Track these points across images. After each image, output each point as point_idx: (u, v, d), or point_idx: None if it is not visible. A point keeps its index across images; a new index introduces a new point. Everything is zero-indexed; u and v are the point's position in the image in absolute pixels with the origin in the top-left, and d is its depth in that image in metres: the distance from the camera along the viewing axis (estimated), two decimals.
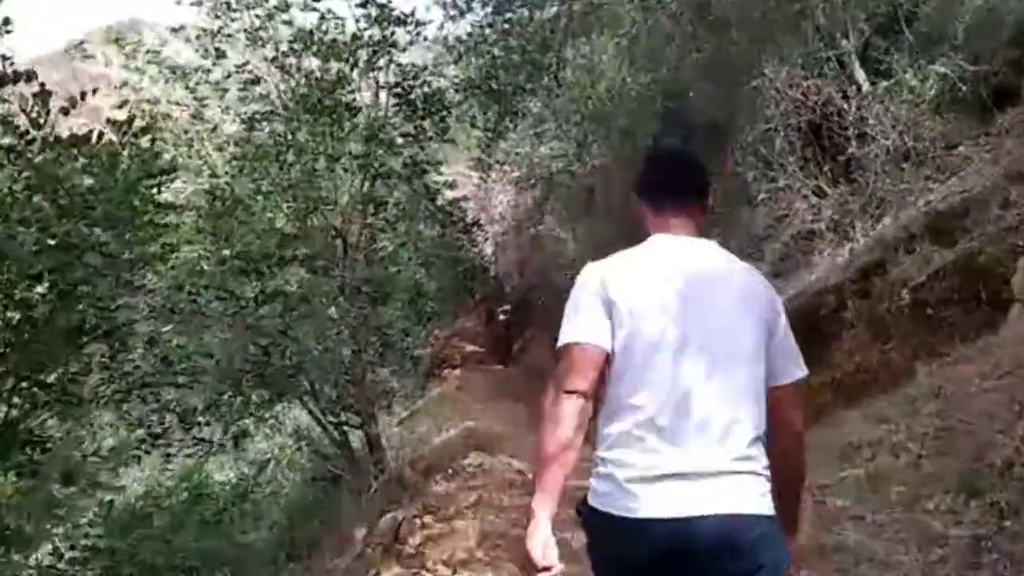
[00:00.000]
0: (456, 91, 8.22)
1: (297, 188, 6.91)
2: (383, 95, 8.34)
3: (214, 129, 7.62)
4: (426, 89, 8.04)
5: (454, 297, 15.29)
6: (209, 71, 8.22)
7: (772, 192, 7.92)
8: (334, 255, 7.41)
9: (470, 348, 15.44)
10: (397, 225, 8.11)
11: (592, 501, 1.78)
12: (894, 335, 5.87)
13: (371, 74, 8.05)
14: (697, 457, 1.71)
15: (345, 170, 7.08)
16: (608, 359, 1.78)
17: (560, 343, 1.83)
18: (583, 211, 11.21)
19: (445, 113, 8.36)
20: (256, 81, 8.16)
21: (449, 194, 8.98)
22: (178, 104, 8.09)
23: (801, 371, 1.89)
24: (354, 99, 7.26)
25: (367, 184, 7.92)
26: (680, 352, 1.75)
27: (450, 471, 7.61)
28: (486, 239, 15.59)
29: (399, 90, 8.42)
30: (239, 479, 9.60)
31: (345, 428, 8.11)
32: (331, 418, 7.66)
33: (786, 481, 1.84)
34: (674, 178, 2.04)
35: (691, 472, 1.70)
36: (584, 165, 9.06)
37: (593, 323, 1.80)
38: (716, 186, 2.53)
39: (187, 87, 8.14)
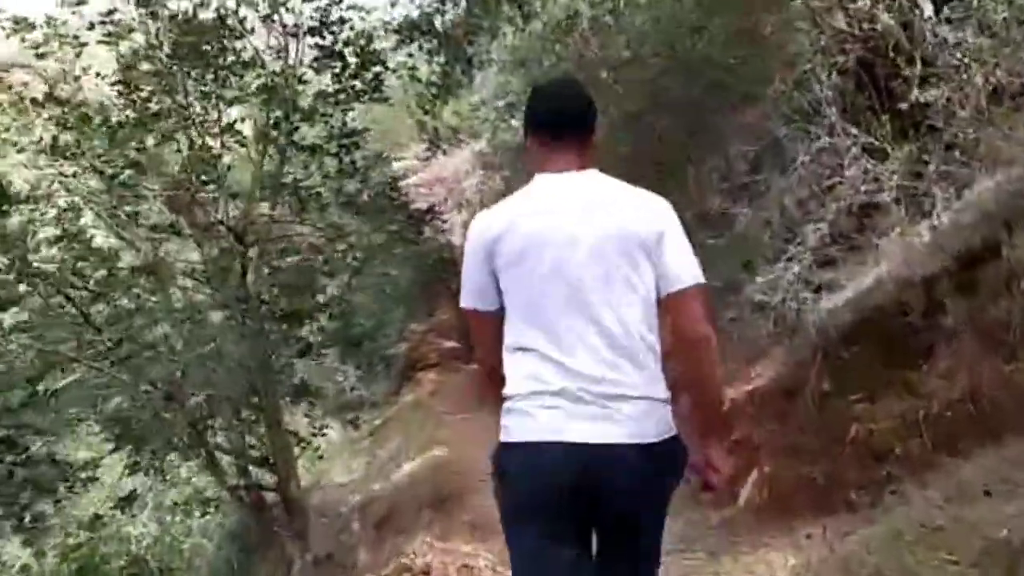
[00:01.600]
0: (389, 32, 6.17)
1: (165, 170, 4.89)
2: (294, 43, 6.29)
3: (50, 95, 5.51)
4: (350, 32, 5.98)
5: (426, 289, 14.81)
6: (65, 22, 6.14)
7: (814, 155, 5.93)
8: (230, 260, 5.40)
9: (447, 345, 14.41)
10: (318, 213, 6.02)
11: (501, 437, 1.97)
12: (1021, 347, 4.19)
13: (277, 14, 6.00)
14: (588, 384, 1.88)
15: (240, 144, 5.10)
16: (499, 317, 2.01)
17: (461, 303, 2.09)
18: None
19: (380, 67, 6.35)
20: (128, 32, 6.09)
21: (390, 171, 6.95)
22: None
23: (691, 279, 1.97)
24: (243, 47, 5.21)
25: (274, 162, 5.89)
26: (563, 290, 1.93)
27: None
28: (445, 226, 14.06)
29: (319, 38, 6.36)
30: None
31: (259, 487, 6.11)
32: (236, 480, 5.67)
33: (692, 392, 1.98)
34: (559, 110, 2.14)
35: (582, 398, 1.88)
36: None
37: (480, 287, 2.03)
38: (597, 118, 2.19)
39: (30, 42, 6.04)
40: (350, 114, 6.67)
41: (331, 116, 6.50)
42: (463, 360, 13.15)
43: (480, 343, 2.11)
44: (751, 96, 6.44)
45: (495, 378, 2.03)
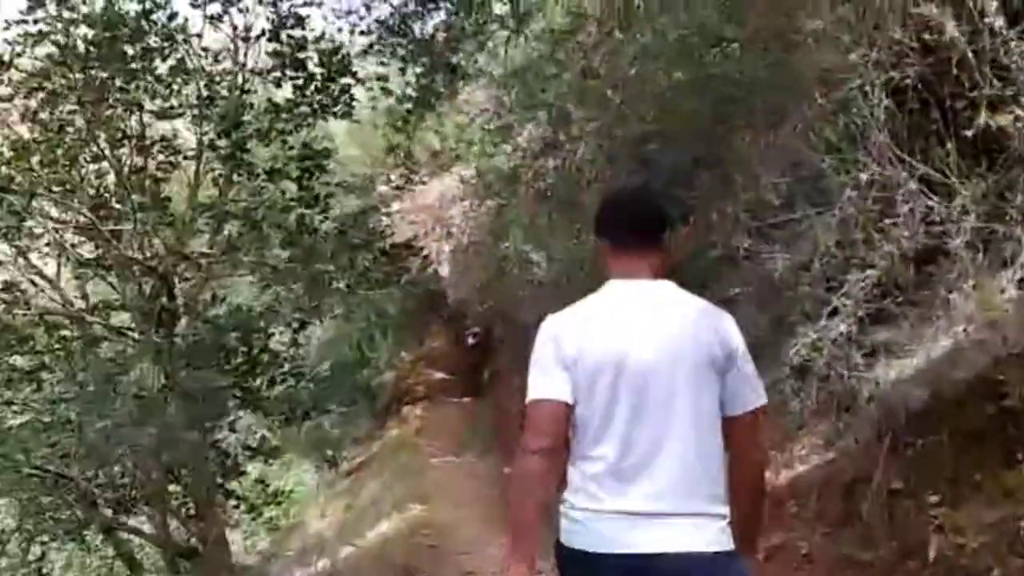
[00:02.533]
0: (355, 35, 5.20)
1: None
2: (249, 49, 5.30)
3: None
4: (312, 36, 5.00)
5: (416, 318, 14.45)
6: None
7: (861, 188, 4.98)
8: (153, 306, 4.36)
9: (437, 376, 14.14)
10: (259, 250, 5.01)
11: (561, 538, 2.06)
12: None
13: (227, 14, 5.02)
14: (659, 498, 1.95)
15: (173, 165, 4.11)
16: (571, 409, 2.04)
17: (527, 399, 2.09)
18: (562, 221, 8.32)
19: (349, 78, 5.36)
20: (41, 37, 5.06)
21: (355, 203, 5.95)
22: None
23: (758, 399, 2.08)
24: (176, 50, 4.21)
25: (218, 185, 4.89)
26: (635, 402, 2.00)
27: None
28: (430, 259, 13.74)
29: (279, 44, 5.36)
30: None
31: None
32: None
33: (746, 503, 2.09)
34: (631, 218, 2.24)
35: (654, 512, 1.94)
36: (563, 158, 5.90)
37: (552, 380, 2.05)
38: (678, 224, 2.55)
39: None
40: (313, 132, 5.70)
41: (290, 134, 5.53)
42: (452, 394, 13.14)
43: (543, 431, 2.03)
44: (783, 116, 5.48)
45: (548, 465, 2.01)
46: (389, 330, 20.30)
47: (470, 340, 14.17)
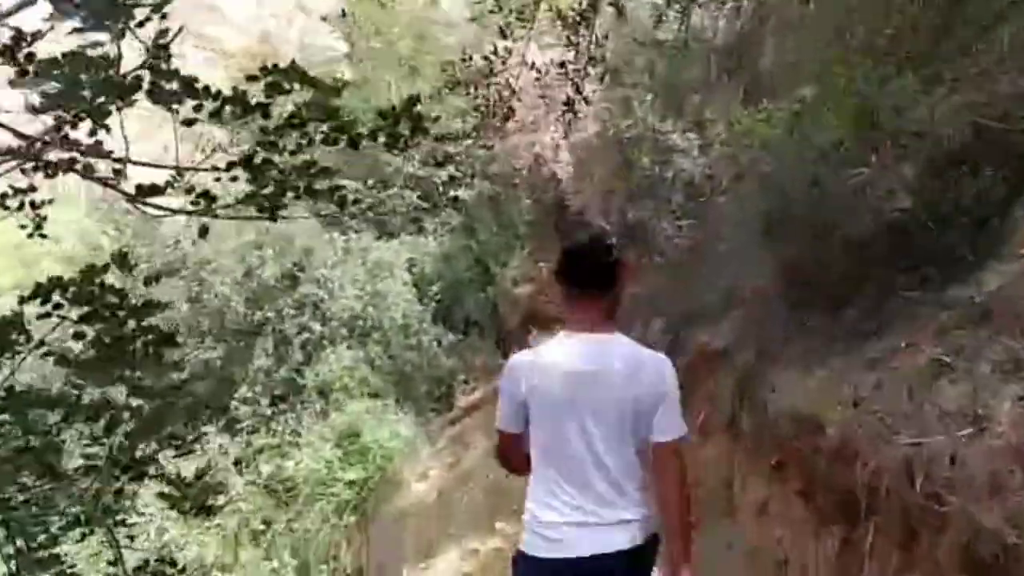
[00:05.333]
0: None
1: None
2: None
3: None
4: None
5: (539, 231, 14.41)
6: None
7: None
8: None
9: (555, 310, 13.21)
10: None
11: (520, 546, 2.69)
12: None
13: None
14: (591, 512, 2.59)
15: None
16: (517, 437, 2.72)
17: (496, 425, 2.79)
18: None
19: None
20: None
21: None
22: None
23: (678, 431, 2.64)
24: None
25: None
26: (577, 432, 2.59)
27: None
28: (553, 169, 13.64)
29: None
30: None
31: None
32: None
33: (673, 517, 2.63)
34: (587, 272, 2.73)
35: (586, 523, 2.57)
36: None
37: (506, 413, 2.73)
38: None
39: None
40: None
41: None
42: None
43: (508, 453, 2.80)
44: None
45: (518, 470, 2.80)
46: (521, 240, 19.35)
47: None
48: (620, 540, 2.55)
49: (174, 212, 3.12)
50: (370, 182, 17.49)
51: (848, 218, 4.33)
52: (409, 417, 12.40)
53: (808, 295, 5.19)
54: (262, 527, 8.19)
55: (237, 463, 10.04)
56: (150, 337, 3.36)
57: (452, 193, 18.80)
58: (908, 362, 3.61)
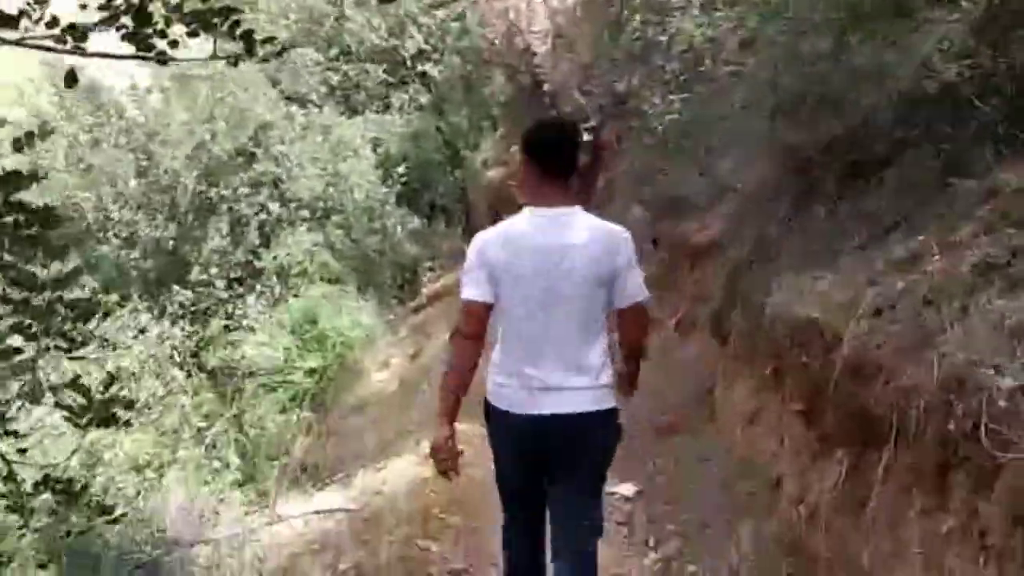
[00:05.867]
0: None
1: None
2: None
3: None
4: None
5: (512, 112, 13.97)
6: None
7: None
8: None
9: None
10: None
11: (488, 397, 2.85)
12: None
13: None
14: (551, 375, 2.73)
15: None
16: (489, 308, 2.76)
17: (460, 297, 2.82)
18: None
19: None
20: None
21: None
22: None
23: (639, 296, 2.80)
24: None
25: None
26: (541, 300, 2.71)
27: None
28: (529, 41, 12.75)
29: None
30: None
31: None
32: None
33: (630, 363, 2.95)
34: (547, 154, 2.79)
35: (548, 386, 2.72)
36: None
37: (478, 284, 2.75)
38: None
39: None
40: None
41: None
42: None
43: (470, 324, 2.77)
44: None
45: (472, 348, 2.78)
46: (494, 121, 18.36)
47: (585, 136, 13.20)
48: (583, 403, 2.73)
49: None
50: (332, 52, 16.43)
51: (875, 91, 3.68)
52: (371, 304, 11.92)
53: (819, 184, 4.58)
54: (202, 423, 7.69)
55: (180, 352, 9.43)
56: (22, 217, 2.69)
57: (420, 68, 17.82)
58: (945, 264, 3.04)
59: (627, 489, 4.47)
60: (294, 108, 14.06)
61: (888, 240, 3.78)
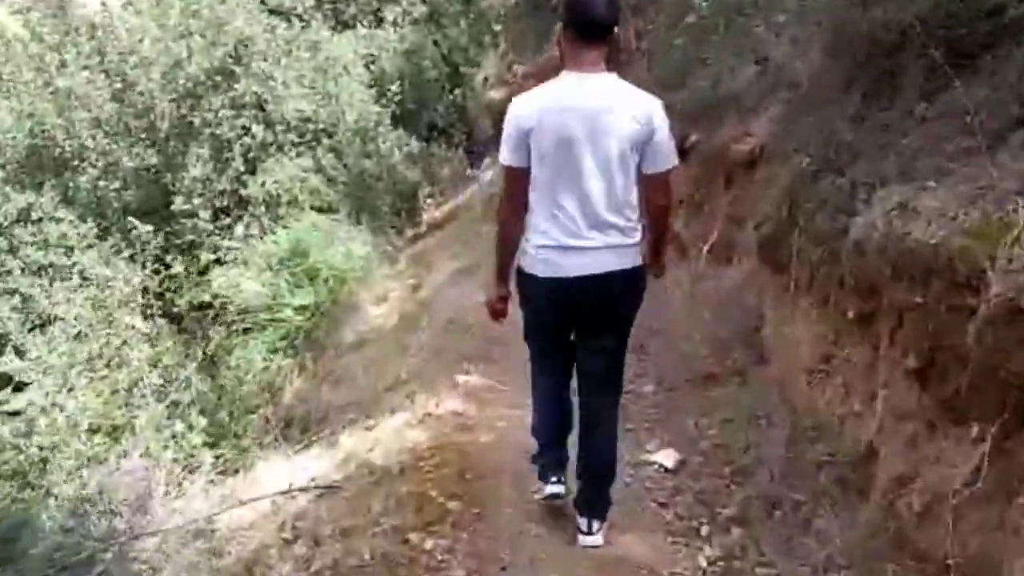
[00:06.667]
0: None
1: None
2: None
3: None
4: None
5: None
6: None
7: None
8: None
9: None
10: None
11: (521, 263, 2.99)
12: None
13: None
14: (588, 238, 2.84)
15: None
16: (528, 172, 2.86)
17: (500, 160, 2.94)
18: None
19: None
20: None
21: None
22: None
23: (670, 163, 2.86)
24: None
25: None
26: (578, 165, 2.78)
27: None
28: None
29: None
30: None
31: None
32: None
33: (655, 232, 2.97)
34: (593, 16, 2.81)
35: (584, 247, 2.84)
36: None
37: (515, 151, 2.85)
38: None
39: None
40: None
41: None
42: None
43: (515, 191, 2.91)
44: None
45: (514, 217, 2.96)
46: (495, 36, 17.03)
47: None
48: (614, 262, 2.86)
49: None
50: None
51: None
52: (365, 234, 10.98)
53: (902, 71, 3.58)
54: (166, 376, 6.83)
55: (145, 292, 8.49)
56: None
57: None
58: None
59: (667, 458, 3.60)
60: (277, 22, 12.86)
61: (1010, 140, 2.82)
